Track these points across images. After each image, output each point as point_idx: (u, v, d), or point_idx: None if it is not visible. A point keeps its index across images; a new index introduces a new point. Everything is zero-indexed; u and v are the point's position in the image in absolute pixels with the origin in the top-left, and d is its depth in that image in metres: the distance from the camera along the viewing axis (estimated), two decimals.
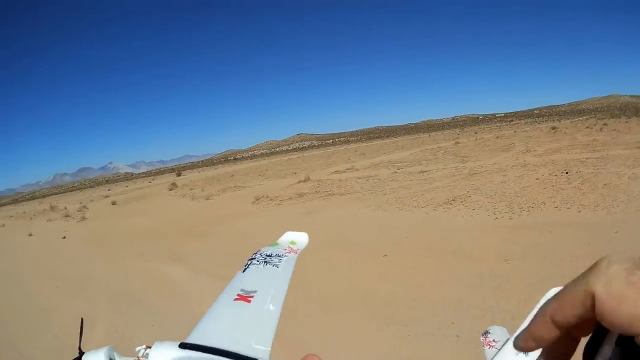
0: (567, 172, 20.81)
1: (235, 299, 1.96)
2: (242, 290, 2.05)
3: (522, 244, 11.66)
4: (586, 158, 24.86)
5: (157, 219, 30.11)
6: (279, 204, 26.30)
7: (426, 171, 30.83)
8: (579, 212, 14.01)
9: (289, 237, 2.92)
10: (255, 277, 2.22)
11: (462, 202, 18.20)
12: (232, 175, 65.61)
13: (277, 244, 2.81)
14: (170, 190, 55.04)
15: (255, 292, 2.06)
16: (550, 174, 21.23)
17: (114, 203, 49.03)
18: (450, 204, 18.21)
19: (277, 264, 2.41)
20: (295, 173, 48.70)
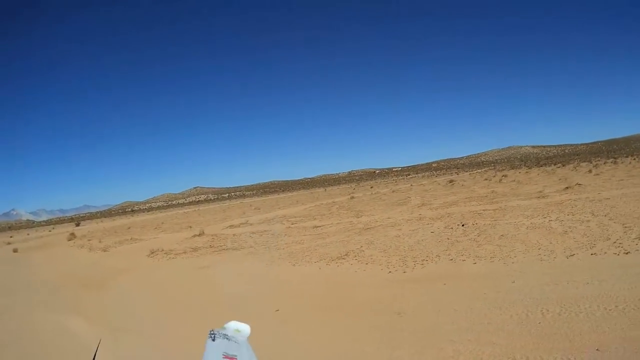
0: (463, 225, 21.54)
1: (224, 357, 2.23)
2: (224, 353, 2.32)
3: (416, 297, 11.84)
4: (484, 210, 25.89)
5: (56, 268, 29.44)
6: (173, 258, 26.06)
7: (320, 226, 31.21)
8: (475, 263, 14.46)
9: (233, 325, 2.93)
10: (226, 345, 2.46)
11: (355, 256, 18.41)
12: (129, 228, 65.88)
13: (224, 328, 2.82)
14: (69, 240, 55.13)
15: (235, 356, 2.36)
16: (445, 227, 21.95)
17: (15, 250, 48.19)
18: (344, 258, 18.38)
19: (236, 341, 2.59)
20: (191, 227, 48.95)
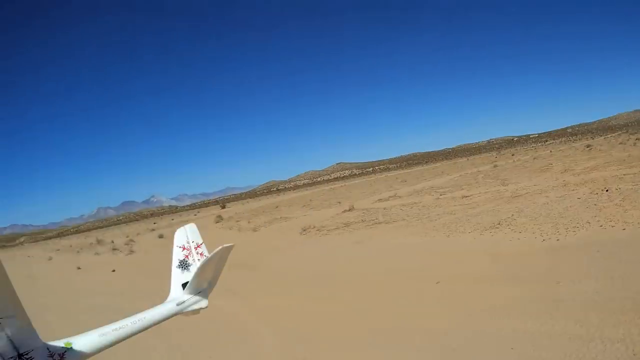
0: (607, 190, 20.76)
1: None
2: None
3: (572, 265, 11.60)
4: (624, 174, 24.70)
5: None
6: (326, 234, 26.29)
7: (468, 196, 30.70)
8: (624, 229, 13.96)
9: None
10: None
11: (507, 225, 18.14)
12: (277, 207, 65.63)
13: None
14: (217, 222, 55.50)
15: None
16: (591, 193, 21.17)
17: (160, 236, 49.08)
18: (497, 227, 18.16)
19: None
20: (340, 202, 48.37)
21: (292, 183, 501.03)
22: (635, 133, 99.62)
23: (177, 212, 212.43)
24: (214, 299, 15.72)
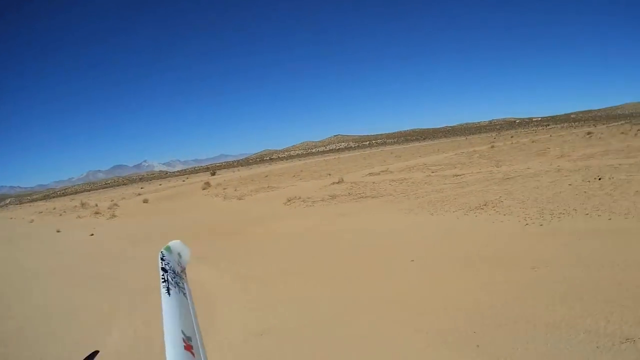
0: (599, 178, 20.77)
1: (185, 348, 2.13)
2: (182, 333, 2.22)
3: (551, 251, 11.63)
4: (620, 164, 24.66)
5: (186, 218, 30.72)
6: (311, 205, 26.55)
7: (460, 175, 30.90)
8: (610, 219, 13.95)
9: (177, 247, 3.26)
10: (179, 310, 2.42)
11: (493, 207, 18.21)
12: (267, 176, 66.61)
13: (170, 251, 3.09)
14: (204, 189, 56.39)
15: (190, 338, 2.26)
16: (583, 180, 21.16)
17: (145, 201, 49.84)
18: (482, 208, 18.24)
19: (183, 288, 2.72)
20: (330, 174, 49.15)
21: (286, 153, 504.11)
22: (639, 124, 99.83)
23: (166, 177, 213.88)
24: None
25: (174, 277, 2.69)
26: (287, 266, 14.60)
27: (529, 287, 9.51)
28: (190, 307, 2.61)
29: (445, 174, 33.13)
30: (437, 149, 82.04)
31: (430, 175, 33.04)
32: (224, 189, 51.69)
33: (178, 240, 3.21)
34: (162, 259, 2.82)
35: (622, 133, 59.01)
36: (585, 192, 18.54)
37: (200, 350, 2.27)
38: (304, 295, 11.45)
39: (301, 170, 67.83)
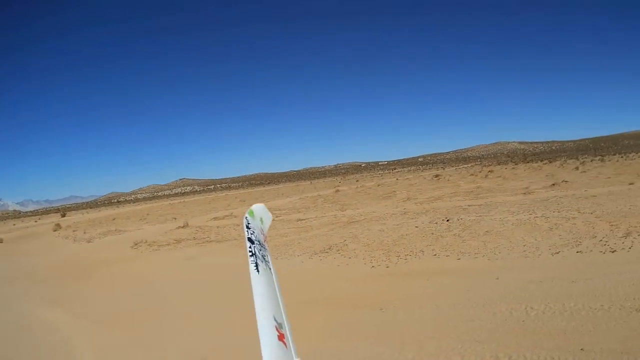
0: (447, 220, 21.53)
1: (278, 338, 1.98)
2: (274, 319, 2.08)
3: (399, 293, 11.77)
4: (468, 205, 25.90)
5: (40, 259, 29.58)
6: (157, 250, 26.15)
7: (304, 219, 31.27)
8: (459, 259, 14.42)
9: (259, 211, 2.87)
10: (267, 290, 2.27)
11: (338, 250, 18.36)
12: (114, 219, 66.05)
13: (253, 216, 2.97)
14: (55, 230, 55.30)
15: (281, 325, 2.16)
16: (430, 222, 21.89)
17: (0, 241, 47.92)
18: (327, 252, 18.35)
19: (268, 262, 2.63)
20: (175, 218, 49.38)
21: (133, 196, 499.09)
22: (489, 165, 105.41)
23: (19, 217, 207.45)
24: (36, 307, 14.83)
25: (261, 250, 2.61)
26: (137, 307, 14.29)
27: (379, 328, 9.56)
28: (276, 286, 2.46)
29: (289, 218, 33.41)
30: (282, 193, 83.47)
31: (274, 220, 32.43)
32: (74, 231, 50.37)
33: (261, 204, 3.22)
34: (247, 227, 2.73)
35: (472, 175, 62.49)
36: (432, 233, 19.21)
37: (290, 339, 2.15)
38: (155, 336, 11.21)
39: (147, 214, 67.51)
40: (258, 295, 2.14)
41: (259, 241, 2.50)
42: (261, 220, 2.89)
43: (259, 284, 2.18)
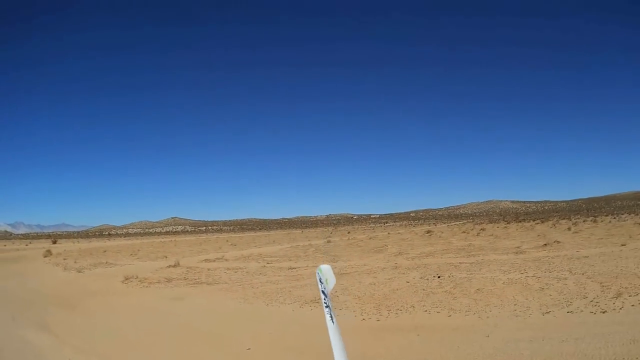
0: (439, 276, 21.61)
1: None
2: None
3: (388, 346, 11.76)
4: (460, 262, 25.99)
5: (29, 284, 29.76)
6: (147, 286, 26.12)
7: (295, 267, 31.27)
8: (449, 316, 14.43)
9: (326, 272, 3.05)
10: (340, 341, 2.51)
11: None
12: (105, 251, 66.62)
13: (322, 274, 3.04)
14: (45, 257, 56.20)
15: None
16: (421, 278, 21.96)
17: None
18: (317, 302, 18.07)
19: (332, 317, 2.72)
20: (166, 257, 49.50)
21: (124, 230, 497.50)
22: (481, 223, 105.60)
23: (10, 239, 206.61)
24: (24, 331, 14.75)
25: (330, 303, 2.70)
26: (123, 341, 14.24)
27: None
28: (341, 340, 2.57)
29: (280, 265, 33.50)
30: (273, 240, 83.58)
31: (265, 266, 33.24)
32: (64, 259, 51.14)
33: (328, 265, 2.95)
34: (320, 281, 2.83)
35: (464, 232, 62.56)
36: (423, 289, 19.23)
37: None
38: None
39: (138, 250, 67.98)
40: (336, 346, 2.36)
41: (328, 295, 2.70)
42: (326, 280, 3.06)
43: (335, 335, 2.40)
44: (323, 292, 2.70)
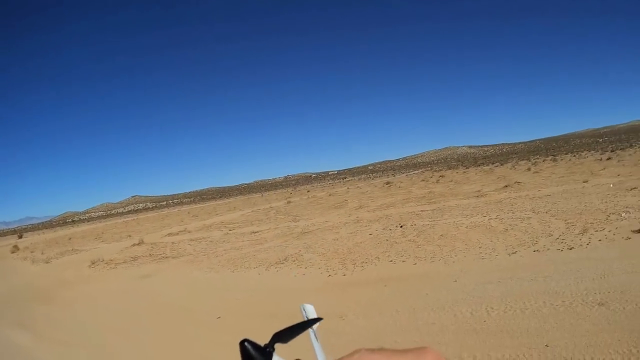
0: (401, 226, 21.60)
1: None
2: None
3: (357, 300, 11.79)
4: (421, 211, 26.05)
5: (1, 282, 29.06)
6: (114, 268, 25.97)
7: (258, 231, 31.31)
8: (415, 264, 14.48)
9: (309, 312, 2.77)
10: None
11: (294, 261, 18.31)
12: (70, 238, 66.05)
13: (306, 313, 2.65)
14: (13, 252, 55.35)
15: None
16: (384, 229, 22.04)
17: None
18: (282, 263, 18.29)
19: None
20: (130, 236, 49.60)
21: (87, 215, 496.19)
22: (440, 170, 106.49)
23: None
24: (2, 330, 14.49)
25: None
26: (100, 328, 13.96)
27: (340, 336, 9.43)
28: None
29: (242, 231, 33.47)
30: (234, 207, 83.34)
31: (228, 234, 33.17)
32: (32, 252, 50.16)
33: (311, 305, 2.62)
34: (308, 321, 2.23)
35: (423, 180, 62.97)
36: (387, 240, 19.31)
37: None
38: (120, 356, 10.94)
39: (102, 232, 67.85)
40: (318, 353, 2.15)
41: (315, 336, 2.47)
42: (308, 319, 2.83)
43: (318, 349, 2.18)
44: (314, 333, 2.47)
